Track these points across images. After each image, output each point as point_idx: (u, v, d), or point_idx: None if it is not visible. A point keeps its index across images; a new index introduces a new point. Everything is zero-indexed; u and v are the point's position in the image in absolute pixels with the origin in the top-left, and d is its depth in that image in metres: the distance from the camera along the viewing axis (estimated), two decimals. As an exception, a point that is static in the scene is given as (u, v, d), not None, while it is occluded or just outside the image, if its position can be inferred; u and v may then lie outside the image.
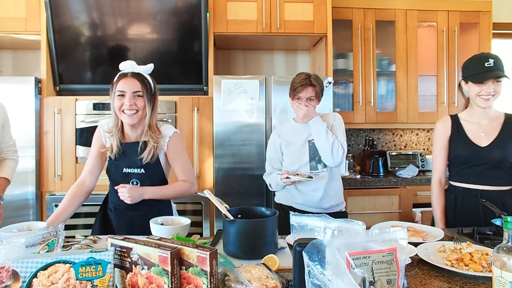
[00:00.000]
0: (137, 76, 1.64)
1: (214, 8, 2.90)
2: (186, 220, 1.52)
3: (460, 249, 1.27)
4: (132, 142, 1.71)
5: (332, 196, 2.02)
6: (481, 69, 1.74)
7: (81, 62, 2.88)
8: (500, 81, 1.75)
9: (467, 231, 1.59)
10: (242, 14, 2.93)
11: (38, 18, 2.78)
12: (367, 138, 3.56)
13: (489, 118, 1.84)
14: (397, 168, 3.36)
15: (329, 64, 3.00)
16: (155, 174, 1.71)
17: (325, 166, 1.98)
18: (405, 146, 3.77)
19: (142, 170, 1.68)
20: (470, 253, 1.23)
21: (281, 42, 3.28)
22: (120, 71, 1.70)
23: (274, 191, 2.16)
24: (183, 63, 2.92)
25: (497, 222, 1.53)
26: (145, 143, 1.67)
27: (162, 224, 1.50)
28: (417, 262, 1.26)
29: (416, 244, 1.36)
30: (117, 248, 1.02)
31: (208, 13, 2.85)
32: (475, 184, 1.81)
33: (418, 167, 3.33)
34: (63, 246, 1.27)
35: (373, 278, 0.89)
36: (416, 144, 3.75)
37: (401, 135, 3.76)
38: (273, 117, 2.81)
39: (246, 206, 1.49)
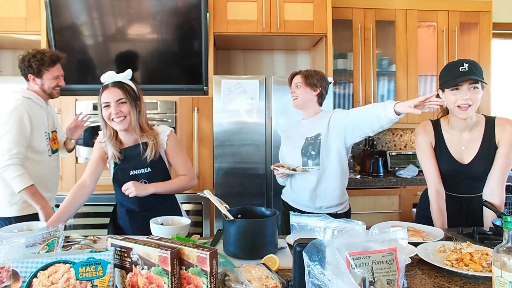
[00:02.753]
0: (118, 84, 1.71)
1: (214, 8, 2.90)
2: (186, 220, 1.53)
3: (460, 249, 1.27)
4: (132, 145, 1.77)
5: (323, 197, 1.93)
6: (455, 74, 1.63)
7: (81, 62, 2.87)
8: (477, 88, 1.62)
9: (467, 231, 1.59)
10: (242, 14, 2.93)
11: (38, 18, 2.78)
12: (367, 138, 3.56)
13: (470, 128, 1.73)
14: (397, 168, 3.36)
15: (329, 64, 3.00)
16: (161, 171, 1.80)
17: (316, 164, 1.90)
18: (405, 146, 3.77)
19: (149, 169, 1.76)
20: (470, 253, 1.23)
21: (281, 42, 3.28)
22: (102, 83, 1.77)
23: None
24: (183, 63, 2.92)
25: (497, 222, 1.53)
26: (145, 144, 1.75)
27: (162, 224, 1.50)
28: (417, 262, 1.26)
29: (416, 244, 1.36)
30: (117, 248, 1.02)
31: (208, 13, 2.85)
32: (456, 193, 1.79)
33: (418, 167, 3.33)
34: (63, 246, 1.27)
35: (373, 278, 0.89)
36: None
37: (401, 135, 3.77)
38: (273, 117, 2.81)
39: (246, 206, 1.49)
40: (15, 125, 1.90)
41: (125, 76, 1.76)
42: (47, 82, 2.06)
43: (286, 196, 2.10)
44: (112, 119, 1.68)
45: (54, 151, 2.14)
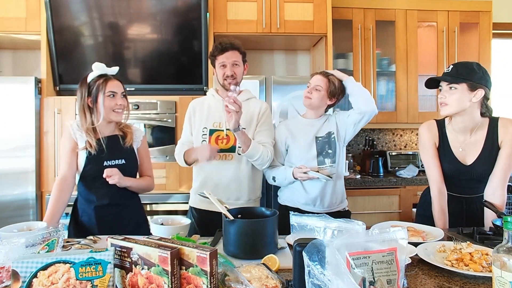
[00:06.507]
0: (118, 78, 1.80)
1: (214, 8, 2.90)
2: (186, 220, 1.53)
3: (460, 249, 1.27)
4: (110, 135, 1.79)
5: (336, 195, 2.00)
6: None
7: (81, 62, 2.88)
8: (455, 88, 1.63)
9: (467, 231, 1.59)
10: (242, 14, 2.93)
11: (38, 18, 2.78)
12: (367, 138, 3.56)
13: (471, 130, 1.73)
14: (397, 168, 3.36)
15: (329, 64, 3.00)
16: (134, 165, 1.85)
17: (334, 162, 1.94)
18: (405, 146, 3.77)
19: (123, 161, 1.79)
20: (470, 253, 1.23)
21: (281, 42, 3.28)
22: (92, 70, 1.80)
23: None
24: (183, 63, 2.92)
25: (497, 222, 1.53)
26: (122, 135, 1.82)
27: (162, 224, 1.51)
28: (417, 262, 1.26)
29: (416, 244, 1.36)
30: (117, 248, 1.02)
31: (208, 13, 2.85)
32: (458, 194, 1.79)
33: (418, 167, 3.33)
34: (63, 246, 1.27)
35: (373, 278, 0.89)
36: (416, 144, 3.75)
37: (401, 135, 3.77)
38: (273, 117, 2.81)
39: (246, 206, 1.49)
40: (185, 121, 2.08)
41: (114, 70, 1.82)
42: (218, 72, 2.01)
43: (293, 201, 2.01)
44: (114, 110, 1.74)
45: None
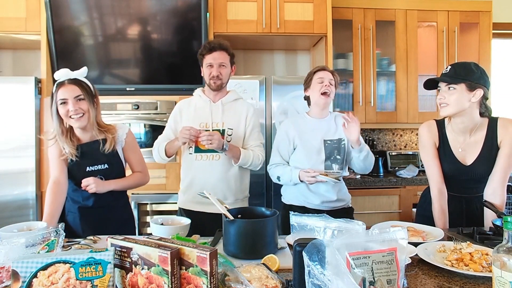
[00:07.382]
0: (74, 81, 1.70)
1: (214, 8, 2.90)
2: (186, 220, 1.53)
3: (460, 249, 1.27)
4: (89, 141, 1.77)
5: (342, 192, 2.03)
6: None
7: (81, 62, 2.87)
8: (454, 89, 1.63)
9: (467, 231, 1.59)
10: (242, 14, 2.93)
11: (38, 18, 2.79)
12: (367, 138, 3.56)
13: (470, 131, 1.72)
14: (397, 168, 3.36)
15: (329, 64, 2.99)
16: (118, 168, 1.82)
17: (341, 168, 1.97)
18: (405, 146, 3.77)
19: (106, 166, 1.77)
20: (470, 253, 1.23)
21: (281, 42, 3.28)
22: (56, 80, 1.74)
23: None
24: (183, 63, 2.92)
25: (497, 222, 1.53)
26: (103, 140, 1.76)
27: (162, 224, 1.51)
28: (417, 262, 1.26)
29: (416, 244, 1.36)
30: (117, 248, 1.02)
31: (208, 13, 2.85)
32: (457, 194, 1.79)
33: (418, 167, 3.33)
34: (63, 246, 1.27)
35: (373, 278, 0.89)
36: (416, 144, 3.75)
37: (401, 135, 3.77)
38: (273, 117, 2.81)
39: (246, 206, 1.49)
40: (170, 119, 2.09)
41: (81, 73, 1.74)
42: (204, 71, 2.02)
43: (299, 200, 2.00)
44: (70, 116, 1.67)
45: (201, 151, 1.96)
